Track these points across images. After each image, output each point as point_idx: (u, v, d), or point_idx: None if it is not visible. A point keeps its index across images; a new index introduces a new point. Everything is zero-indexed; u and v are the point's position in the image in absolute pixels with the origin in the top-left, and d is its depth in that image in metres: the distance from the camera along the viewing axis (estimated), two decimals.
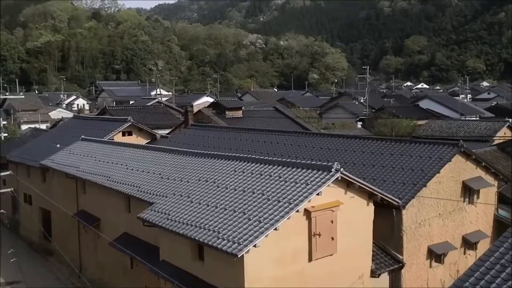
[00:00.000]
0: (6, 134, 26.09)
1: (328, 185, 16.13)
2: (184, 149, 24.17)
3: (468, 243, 21.98)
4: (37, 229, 33.44)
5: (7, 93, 73.43)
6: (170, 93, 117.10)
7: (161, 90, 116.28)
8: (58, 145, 31.95)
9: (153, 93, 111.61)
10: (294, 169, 17.39)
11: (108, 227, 23.82)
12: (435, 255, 20.44)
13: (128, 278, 22.72)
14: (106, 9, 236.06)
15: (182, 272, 16.85)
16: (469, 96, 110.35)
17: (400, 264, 19.17)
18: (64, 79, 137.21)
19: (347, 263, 17.06)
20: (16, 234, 36.79)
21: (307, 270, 16.02)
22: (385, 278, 18.96)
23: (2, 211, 21.93)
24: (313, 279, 16.10)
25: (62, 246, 27.79)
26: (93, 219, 25.24)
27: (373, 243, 18.53)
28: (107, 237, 22.47)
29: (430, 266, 20.55)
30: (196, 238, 15.52)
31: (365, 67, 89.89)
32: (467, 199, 21.99)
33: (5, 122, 36.57)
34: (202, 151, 22.85)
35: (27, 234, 35.81)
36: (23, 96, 62.44)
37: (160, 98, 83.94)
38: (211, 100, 75.96)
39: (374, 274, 18.18)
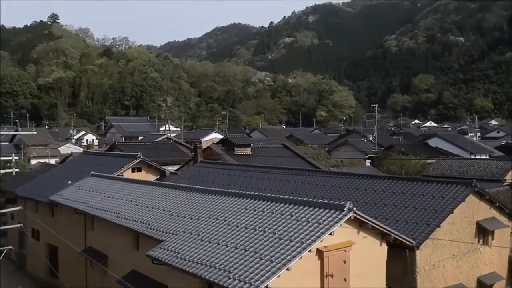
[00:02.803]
0: (17, 169, 26.20)
1: (341, 225, 15.92)
2: (194, 186, 24.05)
3: (483, 286, 21.49)
4: (43, 265, 33.08)
5: (19, 129, 74.19)
6: (178, 129, 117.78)
7: (170, 126, 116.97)
8: (69, 182, 31.91)
9: (162, 129, 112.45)
10: (306, 207, 17.20)
11: (116, 264, 23.51)
12: None
13: None
14: (117, 46, 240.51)
15: None
16: (478, 134, 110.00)
17: None
18: (74, 114, 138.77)
19: None
20: (22, 270, 36.43)
21: None
22: None
23: (10, 247, 21.72)
24: None
25: (68, 283, 27.41)
26: (101, 256, 24.96)
27: (386, 284, 18.12)
28: (114, 274, 22.16)
29: None
30: (206, 277, 15.23)
31: (373, 105, 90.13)
32: (481, 240, 21.60)
33: (17, 158, 36.80)
34: (213, 188, 22.73)
35: (34, 270, 35.44)
36: (35, 132, 62.96)
37: (169, 134, 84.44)
38: (219, 136, 76.41)
39: None
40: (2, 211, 23.43)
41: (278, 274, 14.18)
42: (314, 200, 18.21)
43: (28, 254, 36.82)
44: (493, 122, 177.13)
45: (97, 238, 26.11)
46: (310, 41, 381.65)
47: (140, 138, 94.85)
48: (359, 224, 16.78)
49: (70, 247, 27.18)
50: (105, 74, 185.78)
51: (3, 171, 25.42)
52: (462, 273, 20.72)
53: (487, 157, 62.10)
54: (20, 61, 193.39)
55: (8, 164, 42.96)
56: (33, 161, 65.67)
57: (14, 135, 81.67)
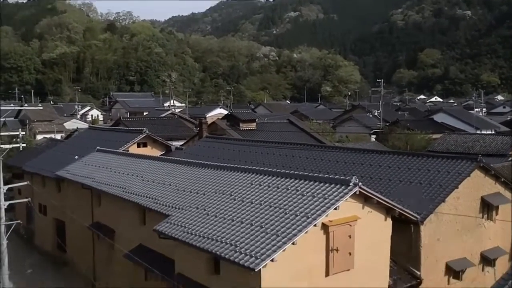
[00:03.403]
0: (24, 144, 26.34)
1: (346, 200, 16.00)
2: (200, 161, 24.16)
3: (487, 260, 21.64)
4: (51, 240, 33.56)
5: (25, 104, 74.24)
6: (183, 104, 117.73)
7: (175, 101, 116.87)
8: (76, 157, 32.12)
9: (166, 104, 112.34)
10: (311, 182, 17.28)
11: (123, 239, 23.79)
12: (453, 272, 20.13)
13: None
14: (120, 21, 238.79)
15: (198, 285, 16.75)
16: (484, 110, 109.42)
17: (418, 280, 18.90)
18: (79, 90, 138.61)
19: (364, 279, 16.82)
20: (31, 244, 36.96)
21: (324, 285, 15.84)
22: None
23: (18, 221, 22.01)
24: None
25: (76, 257, 27.82)
26: (108, 231, 25.24)
27: (391, 258, 18.30)
28: (121, 249, 22.43)
29: (448, 283, 20.24)
30: (213, 251, 15.43)
31: (379, 80, 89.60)
32: (485, 215, 21.69)
33: (23, 133, 37.13)
34: (218, 164, 22.83)
35: (41, 244, 35.94)
36: (41, 107, 62.94)
37: (173, 110, 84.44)
38: (224, 111, 76.31)
39: None
40: (10, 186, 23.64)
41: (284, 248, 14.33)
42: (320, 175, 18.28)
43: (36, 228, 37.30)
44: (500, 97, 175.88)
45: (104, 213, 26.38)
46: (316, 16, 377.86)
47: (145, 113, 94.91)
48: (364, 199, 16.86)
49: (77, 222, 27.51)
50: (109, 49, 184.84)
51: (9, 146, 25.54)
52: (466, 248, 20.85)
53: (493, 132, 61.87)
54: (24, 36, 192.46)
55: (15, 139, 43.24)
56: (39, 137, 65.79)
57: (19, 111, 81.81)
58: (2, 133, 26.17)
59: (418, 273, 18.98)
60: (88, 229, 27.02)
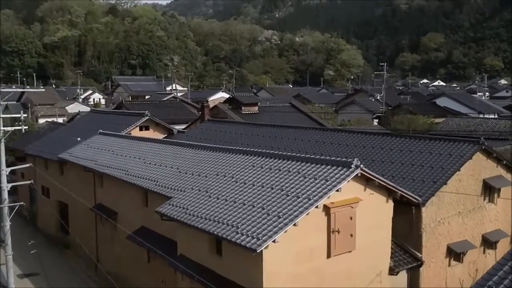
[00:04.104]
0: (26, 127, 26.43)
1: (348, 182, 16.02)
2: (202, 144, 24.17)
3: (488, 242, 21.72)
4: (54, 222, 33.72)
5: (27, 87, 74.16)
6: (185, 88, 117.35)
7: (177, 85, 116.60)
8: (78, 139, 32.17)
9: (168, 88, 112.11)
10: (313, 165, 17.29)
11: (125, 221, 23.90)
12: (454, 254, 20.22)
13: (145, 271, 22.81)
14: (122, 4, 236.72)
15: (200, 266, 16.87)
16: (487, 94, 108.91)
17: (419, 262, 19.00)
18: (81, 73, 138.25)
19: (366, 260, 16.94)
20: (34, 226, 37.18)
21: (326, 266, 15.94)
22: (403, 276, 18.82)
23: (21, 203, 22.08)
24: (331, 276, 16.03)
25: (79, 239, 27.95)
26: (110, 213, 25.37)
27: (392, 240, 18.38)
28: (124, 230, 22.54)
29: (449, 265, 20.35)
30: (215, 232, 15.50)
31: (382, 64, 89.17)
32: (487, 198, 21.72)
33: (25, 115, 37.29)
34: (220, 146, 22.83)
35: (44, 226, 36.15)
36: (43, 90, 62.86)
37: (175, 94, 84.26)
38: (226, 95, 76.16)
39: (392, 271, 18.05)
40: (12, 168, 23.67)
41: (286, 230, 14.39)
42: (322, 157, 18.28)
43: (39, 210, 37.49)
44: (503, 81, 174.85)
45: (106, 196, 26.48)
46: None
47: (146, 97, 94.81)
48: (366, 181, 16.88)
49: (80, 204, 27.63)
50: (111, 32, 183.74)
51: (12, 128, 25.55)
52: (467, 230, 20.92)
53: (496, 116, 61.67)
54: (25, 20, 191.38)
55: (17, 122, 43.28)
56: (41, 120, 65.79)
57: (22, 94, 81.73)
58: (4, 116, 26.05)
59: (420, 255, 19.06)
60: (90, 211, 27.17)
